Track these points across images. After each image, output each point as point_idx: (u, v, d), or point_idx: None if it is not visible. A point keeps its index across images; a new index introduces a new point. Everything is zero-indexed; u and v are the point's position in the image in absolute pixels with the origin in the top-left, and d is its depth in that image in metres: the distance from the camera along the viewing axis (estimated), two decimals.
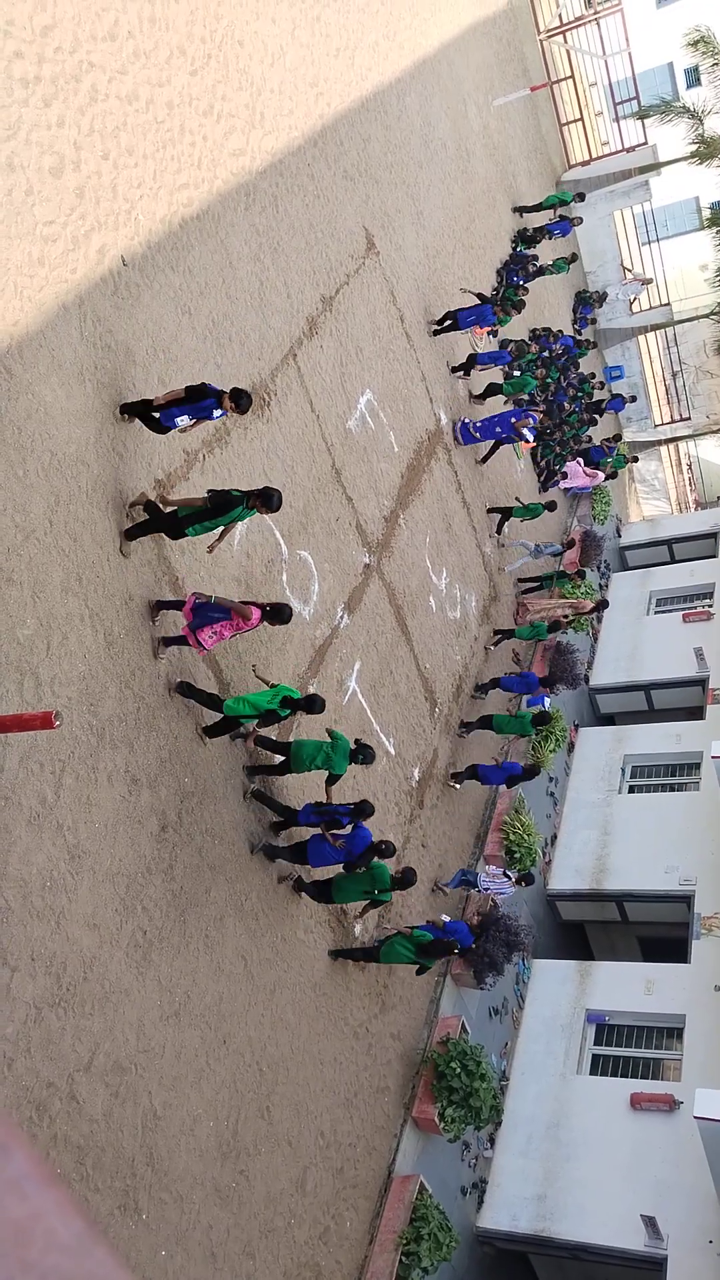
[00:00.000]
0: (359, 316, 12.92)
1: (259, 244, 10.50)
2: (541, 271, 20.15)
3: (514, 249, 20.49)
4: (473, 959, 12.12)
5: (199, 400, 7.83)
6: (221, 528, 8.04)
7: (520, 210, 21.55)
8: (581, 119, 25.67)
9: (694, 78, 30.15)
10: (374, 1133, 10.21)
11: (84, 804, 7.03)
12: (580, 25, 24.50)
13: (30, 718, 6.21)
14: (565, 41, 24.52)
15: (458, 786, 13.57)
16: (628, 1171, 11.45)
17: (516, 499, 17.51)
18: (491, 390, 16.96)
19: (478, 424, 16.25)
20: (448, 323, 15.61)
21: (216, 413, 7.95)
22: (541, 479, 20.22)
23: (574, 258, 20.59)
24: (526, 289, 19.50)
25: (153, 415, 7.97)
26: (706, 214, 31.89)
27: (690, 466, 33.02)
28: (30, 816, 6.52)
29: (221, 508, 7.76)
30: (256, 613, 8.00)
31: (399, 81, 15.30)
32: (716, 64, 23.59)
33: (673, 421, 29.64)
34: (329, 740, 9.14)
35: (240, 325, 9.99)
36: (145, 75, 8.76)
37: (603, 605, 17.90)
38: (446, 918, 11.74)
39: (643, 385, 28.33)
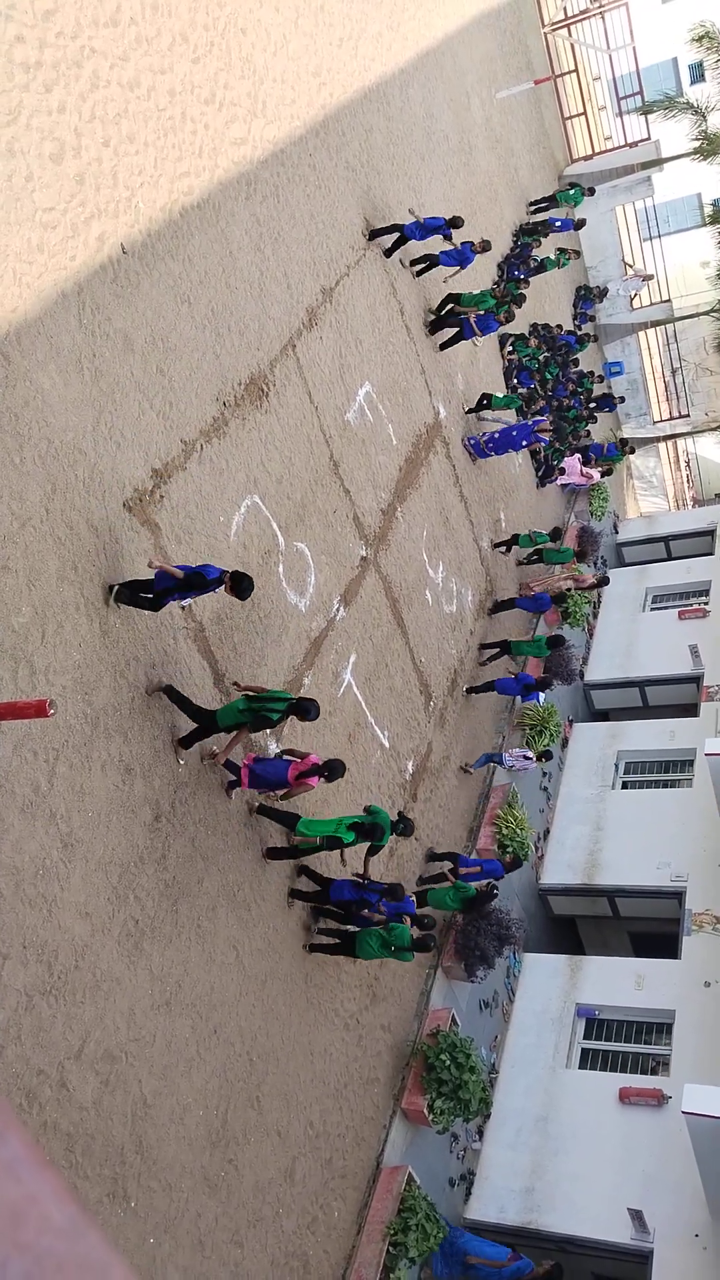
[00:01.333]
0: (359, 308, 12.89)
1: (259, 234, 10.46)
2: (543, 266, 20.11)
3: (515, 242, 20.45)
4: (464, 952, 12.18)
5: (202, 588, 7.62)
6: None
7: (534, 205, 21.48)
8: (585, 113, 25.59)
9: (698, 73, 30.09)
10: (363, 1124, 10.25)
11: (77, 792, 7.03)
12: (585, 19, 24.41)
13: (24, 706, 6.21)
14: (570, 35, 24.43)
15: (474, 694, 15.09)
16: (615, 1165, 11.50)
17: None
18: (484, 402, 16.87)
19: (491, 438, 16.39)
20: (426, 264, 15.00)
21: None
22: (539, 474, 20.22)
23: (577, 254, 20.54)
24: (528, 283, 19.46)
25: (145, 596, 7.66)
26: (708, 211, 31.85)
27: (688, 463, 33.04)
28: (23, 804, 6.52)
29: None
30: (312, 758, 8.47)
31: (402, 72, 15.24)
32: None
33: (671, 418, 29.64)
34: (368, 816, 9.29)
35: (240, 315, 9.96)
36: (147, 62, 8.72)
37: (604, 581, 18.81)
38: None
39: (642, 382, 28.31)
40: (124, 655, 7.70)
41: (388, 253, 13.90)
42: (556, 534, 17.74)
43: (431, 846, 12.97)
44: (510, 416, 17.91)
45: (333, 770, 8.51)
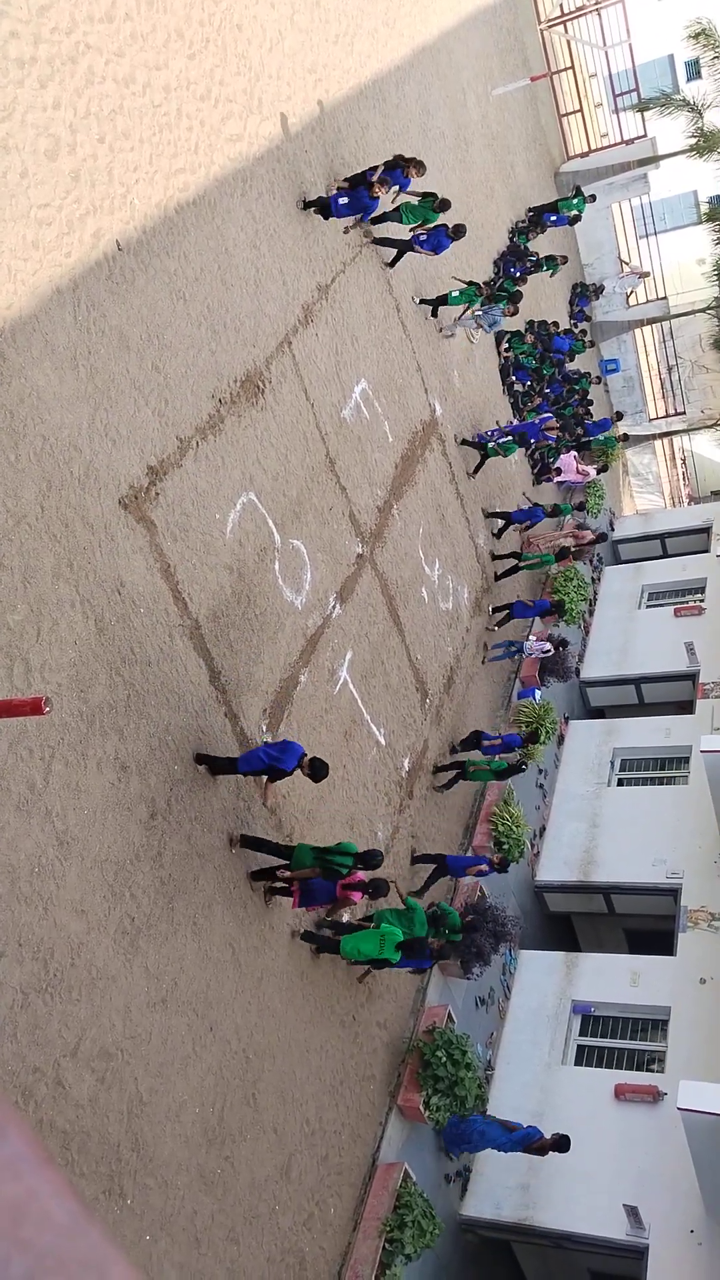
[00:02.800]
0: (355, 305, 12.88)
1: (255, 230, 10.44)
2: (540, 265, 20.08)
3: (511, 240, 20.44)
4: (460, 949, 12.18)
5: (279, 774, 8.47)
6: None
7: (535, 211, 21.46)
8: (581, 110, 25.58)
9: (694, 70, 30.06)
10: (359, 1120, 10.26)
11: (73, 790, 7.02)
12: (581, 15, 24.39)
13: (20, 703, 6.20)
14: (566, 32, 24.41)
15: (495, 629, 16.51)
16: (611, 1162, 11.53)
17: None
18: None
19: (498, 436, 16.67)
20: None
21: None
22: (535, 471, 20.23)
23: (564, 259, 20.51)
24: (524, 280, 19.46)
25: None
26: (705, 208, 31.86)
27: (684, 461, 33.06)
28: (19, 802, 6.51)
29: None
30: (358, 875, 9.02)
31: (398, 69, 15.22)
32: (717, 57, 23.54)
33: (667, 416, 29.67)
34: (405, 924, 9.67)
35: (235, 312, 9.94)
36: (142, 58, 8.70)
37: (602, 538, 19.58)
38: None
39: (638, 379, 28.33)
40: (120, 653, 7.70)
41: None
42: (556, 511, 18.01)
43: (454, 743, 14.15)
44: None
45: (376, 889, 9.09)
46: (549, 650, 16.42)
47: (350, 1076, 10.24)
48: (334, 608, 11.43)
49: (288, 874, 8.92)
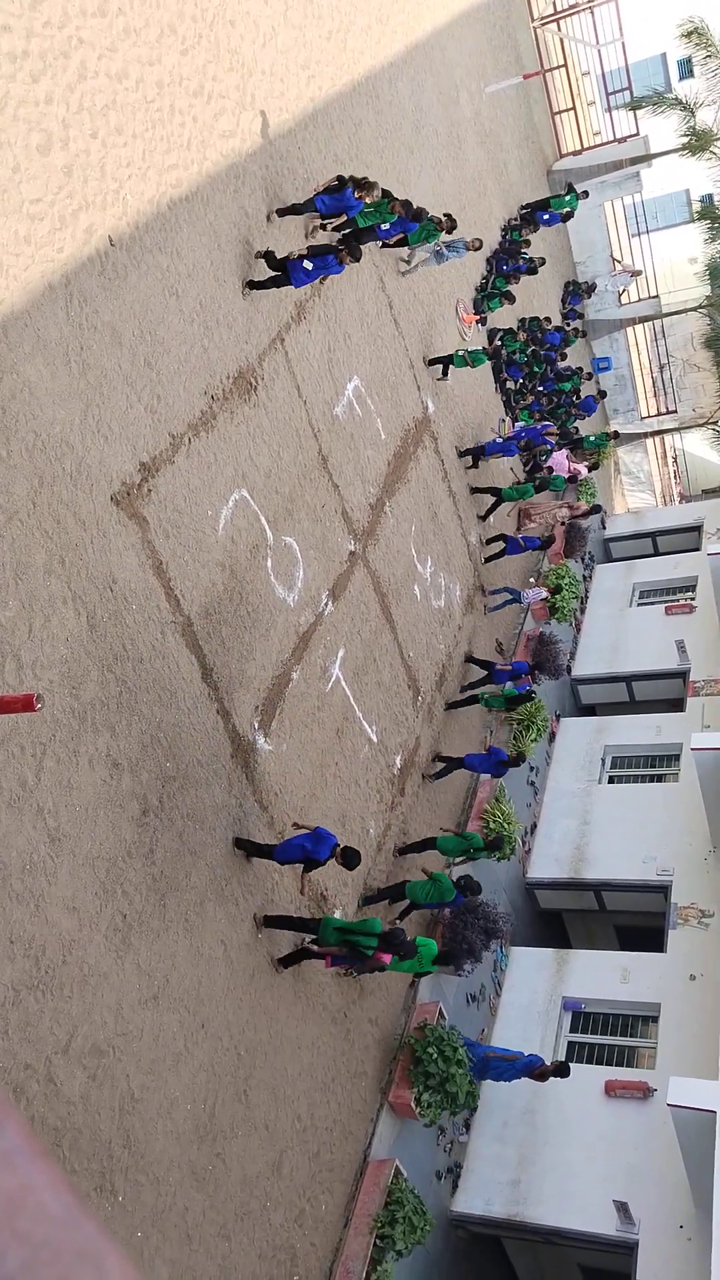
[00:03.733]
0: (347, 302, 12.87)
1: (248, 227, 10.42)
2: (533, 268, 20.03)
3: (504, 237, 20.45)
4: (451, 946, 12.21)
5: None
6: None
7: (526, 207, 21.48)
8: (574, 108, 25.62)
9: (687, 69, 30.12)
10: (350, 1117, 10.27)
11: (65, 787, 7.01)
12: (574, 13, 24.41)
13: (11, 700, 6.19)
14: (559, 29, 24.42)
15: (490, 610, 16.80)
16: (601, 1157, 11.57)
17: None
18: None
19: (500, 439, 16.79)
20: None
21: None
22: (527, 469, 20.24)
23: (543, 261, 20.54)
24: (517, 279, 19.47)
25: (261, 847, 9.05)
26: (697, 207, 31.91)
27: (675, 459, 33.14)
28: (10, 799, 6.50)
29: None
30: (386, 959, 9.37)
31: (391, 66, 15.21)
32: (710, 55, 23.55)
33: (659, 414, 29.73)
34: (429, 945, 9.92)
35: (228, 309, 9.92)
36: (135, 53, 8.67)
37: (596, 509, 20.08)
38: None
39: (630, 377, 28.38)
40: (111, 650, 7.69)
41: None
42: (542, 485, 18.33)
43: (469, 651, 15.31)
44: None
45: (405, 950, 9.29)
46: (545, 597, 17.33)
47: (342, 1073, 10.25)
48: (326, 605, 11.43)
49: (316, 948, 9.35)
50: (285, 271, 10.08)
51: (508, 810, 14.51)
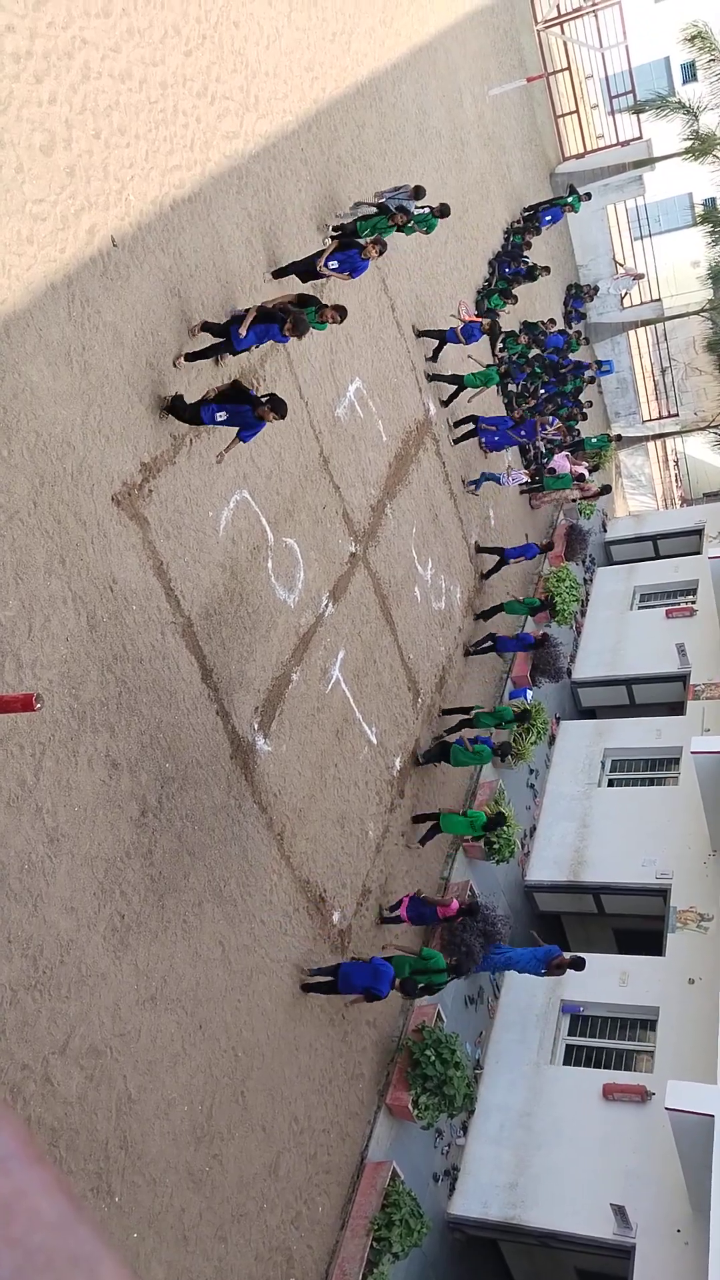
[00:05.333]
0: (349, 304, 12.84)
1: (250, 228, 10.43)
2: (533, 275, 19.97)
3: (506, 240, 20.45)
4: (450, 949, 12.20)
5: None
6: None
7: (529, 209, 21.47)
8: (577, 111, 25.61)
9: (690, 73, 30.13)
10: (348, 1119, 10.26)
11: (63, 787, 7.01)
12: (578, 17, 24.42)
13: (10, 700, 6.19)
14: (563, 33, 24.44)
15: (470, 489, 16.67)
16: (598, 1161, 11.56)
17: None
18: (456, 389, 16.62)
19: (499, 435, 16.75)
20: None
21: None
22: (530, 471, 20.24)
23: (546, 270, 20.48)
24: (519, 281, 19.47)
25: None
26: (699, 210, 31.92)
27: (677, 463, 33.14)
28: (9, 799, 6.50)
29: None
30: (454, 904, 11.34)
31: (395, 68, 15.22)
32: (713, 59, 23.56)
33: (661, 418, 29.73)
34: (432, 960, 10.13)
35: (231, 310, 9.91)
36: (139, 54, 8.68)
37: (605, 490, 20.64)
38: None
39: (632, 381, 28.38)
40: (111, 650, 7.68)
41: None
42: (540, 471, 18.59)
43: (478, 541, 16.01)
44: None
45: (472, 911, 11.46)
46: (525, 480, 17.68)
47: (339, 1075, 10.25)
48: (327, 606, 11.43)
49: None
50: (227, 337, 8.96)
51: (506, 813, 14.50)
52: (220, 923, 8.66)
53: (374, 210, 12.04)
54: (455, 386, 15.99)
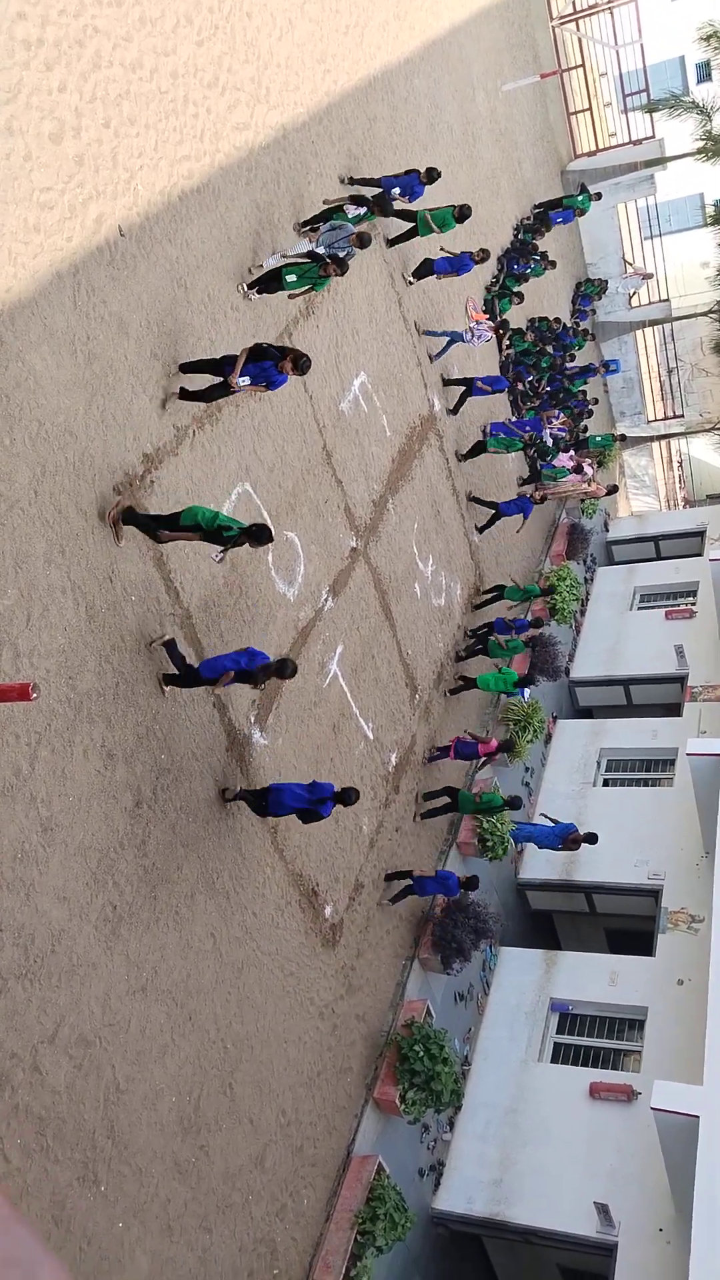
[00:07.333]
0: (357, 298, 12.84)
1: (259, 220, 10.40)
2: (533, 270, 19.88)
3: (516, 236, 20.39)
4: (441, 944, 12.26)
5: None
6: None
7: (539, 206, 21.39)
8: (590, 109, 25.51)
9: (705, 72, 30.02)
10: (335, 1112, 10.31)
11: (59, 777, 7.02)
12: (593, 13, 24.29)
13: (7, 689, 6.20)
14: (577, 30, 24.33)
15: (435, 357, 15.52)
16: (583, 1159, 11.61)
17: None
18: (477, 449, 16.62)
19: (507, 424, 16.72)
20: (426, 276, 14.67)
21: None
22: (532, 468, 20.21)
23: (552, 264, 20.36)
24: (527, 278, 19.41)
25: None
26: (710, 211, 31.82)
27: (681, 464, 33.08)
28: (4, 788, 6.51)
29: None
30: (494, 742, 13.36)
31: (408, 62, 15.16)
32: None
33: (666, 418, 29.67)
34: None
35: (236, 301, 9.90)
36: (150, 43, 8.65)
37: (613, 490, 20.20)
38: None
39: (638, 380, 28.33)
40: (110, 641, 7.69)
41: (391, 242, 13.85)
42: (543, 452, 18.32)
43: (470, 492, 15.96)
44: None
45: (509, 748, 13.67)
46: (490, 338, 16.29)
47: (327, 1068, 10.29)
48: (326, 601, 11.43)
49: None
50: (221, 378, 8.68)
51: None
52: (212, 915, 8.68)
53: (304, 259, 10.03)
54: (464, 389, 15.97)
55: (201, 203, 9.38)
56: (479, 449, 16.41)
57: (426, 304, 15.40)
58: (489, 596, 16.47)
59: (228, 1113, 8.59)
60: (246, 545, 7.96)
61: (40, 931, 6.71)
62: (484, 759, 13.79)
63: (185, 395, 8.73)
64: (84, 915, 7.14)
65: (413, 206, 13.21)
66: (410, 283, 14.55)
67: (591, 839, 13.03)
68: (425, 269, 14.38)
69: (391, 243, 13.94)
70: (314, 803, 8.84)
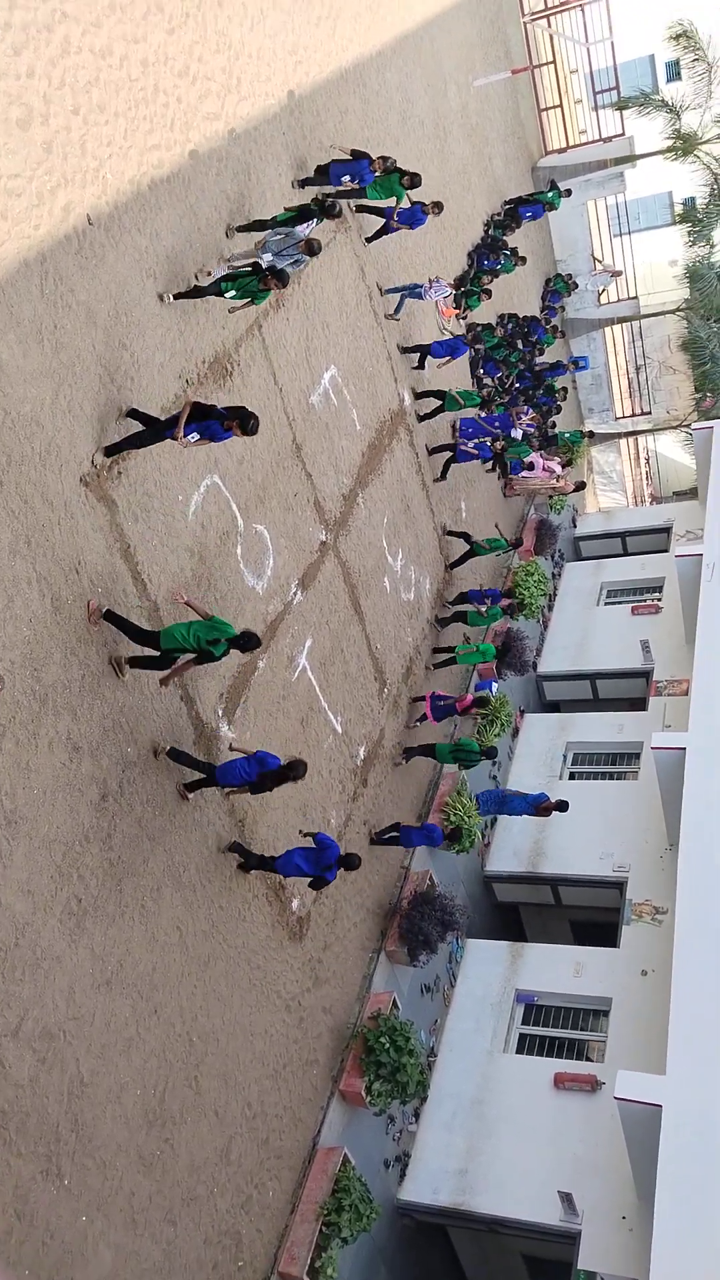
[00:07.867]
0: (327, 291, 12.82)
1: (229, 211, 10.34)
2: (503, 267, 19.89)
3: (486, 232, 20.43)
4: (407, 936, 12.32)
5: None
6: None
7: (509, 202, 21.44)
8: (561, 105, 25.60)
9: (674, 72, 30.17)
10: (301, 1105, 10.33)
11: (23, 769, 6.97)
12: (564, 10, 24.37)
13: None
14: (549, 26, 24.39)
15: (391, 315, 15.23)
16: (548, 1148, 11.72)
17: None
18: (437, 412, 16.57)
19: (477, 420, 16.80)
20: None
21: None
22: (499, 447, 20.16)
23: (522, 260, 20.38)
24: (495, 276, 19.45)
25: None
26: (678, 209, 32.04)
27: (648, 460, 33.36)
28: None
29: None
30: (469, 698, 13.66)
31: (380, 55, 15.12)
32: (697, 59, 23.63)
33: (633, 415, 29.89)
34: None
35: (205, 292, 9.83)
36: (120, 30, 8.56)
37: (580, 486, 20.68)
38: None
39: (606, 377, 28.51)
40: (75, 632, 7.64)
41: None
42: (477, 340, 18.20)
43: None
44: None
45: (482, 704, 13.84)
46: (449, 294, 15.91)
47: (293, 1061, 10.30)
48: (295, 594, 11.42)
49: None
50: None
51: (469, 803, 14.60)
52: (178, 908, 8.66)
53: (246, 269, 9.54)
54: (439, 402, 15.98)
55: (171, 192, 9.32)
56: (438, 412, 16.27)
57: (392, 274, 15.17)
58: (461, 555, 16.85)
59: (193, 1106, 8.58)
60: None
61: (3, 924, 6.66)
62: (461, 713, 14.08)
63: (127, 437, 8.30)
64: (48, 908, 7.10)
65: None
66: (367, 242, 14.30)
67: (563, 806, 13.54)
68: (381, 231, 14.14)
69: (370, 240, 13.96)
70: (322, 868, 9.31)
